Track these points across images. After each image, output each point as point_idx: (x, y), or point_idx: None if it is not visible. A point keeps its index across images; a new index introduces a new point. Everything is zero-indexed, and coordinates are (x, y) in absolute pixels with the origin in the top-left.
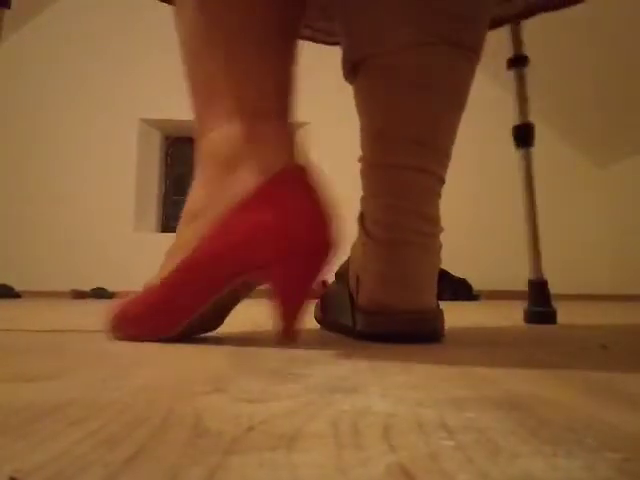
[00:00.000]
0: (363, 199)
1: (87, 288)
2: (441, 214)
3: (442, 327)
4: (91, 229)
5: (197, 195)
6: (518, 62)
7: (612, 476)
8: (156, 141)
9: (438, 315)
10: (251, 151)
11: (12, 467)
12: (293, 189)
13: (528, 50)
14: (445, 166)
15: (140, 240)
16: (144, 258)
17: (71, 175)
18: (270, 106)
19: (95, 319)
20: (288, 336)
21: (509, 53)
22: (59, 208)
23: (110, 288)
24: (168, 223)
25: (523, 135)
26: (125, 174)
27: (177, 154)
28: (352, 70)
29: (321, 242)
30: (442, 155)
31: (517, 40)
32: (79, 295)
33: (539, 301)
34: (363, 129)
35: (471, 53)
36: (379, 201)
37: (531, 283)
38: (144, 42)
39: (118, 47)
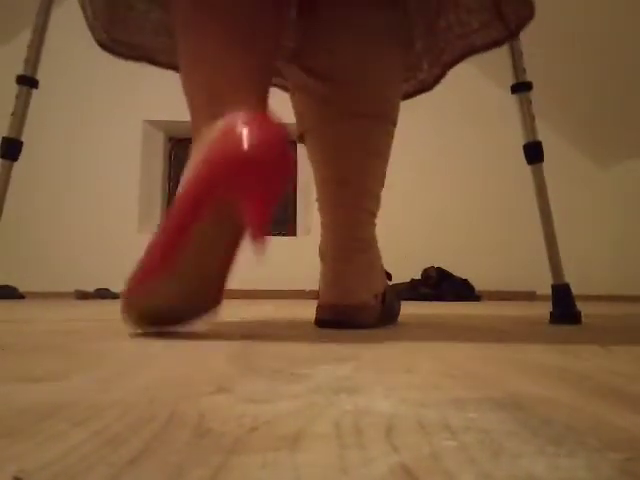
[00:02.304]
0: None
1: (91, 289)
2: (445, 215)
3: (369, 316)
4: (95, 230)
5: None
6: (521, 88)
7: (614, 476)
8: (160, 142)
9: (365, 308)
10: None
11: (16, 467)
12: (247, 127)
13: (529, 49)
14: (374, 202)
15: (144, 241)
16: None
17: (74, 176)
18: (242, 95)
19: (98, 320)
20: (258, 244)
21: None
22: (62, 209)
23: (114, 289)
24: None
25: (533, 152)
26: (129, 175)
27: (181, 155)
28: (300, 138)
29: (275, 160)
30: (370, 195)
31: (519, 67)
32: (83, 296)
33: (562, 303)
34: (314, 175)
35: (381, 120)
36: (323, 233)
37: (553, 287)
38: None
39: None
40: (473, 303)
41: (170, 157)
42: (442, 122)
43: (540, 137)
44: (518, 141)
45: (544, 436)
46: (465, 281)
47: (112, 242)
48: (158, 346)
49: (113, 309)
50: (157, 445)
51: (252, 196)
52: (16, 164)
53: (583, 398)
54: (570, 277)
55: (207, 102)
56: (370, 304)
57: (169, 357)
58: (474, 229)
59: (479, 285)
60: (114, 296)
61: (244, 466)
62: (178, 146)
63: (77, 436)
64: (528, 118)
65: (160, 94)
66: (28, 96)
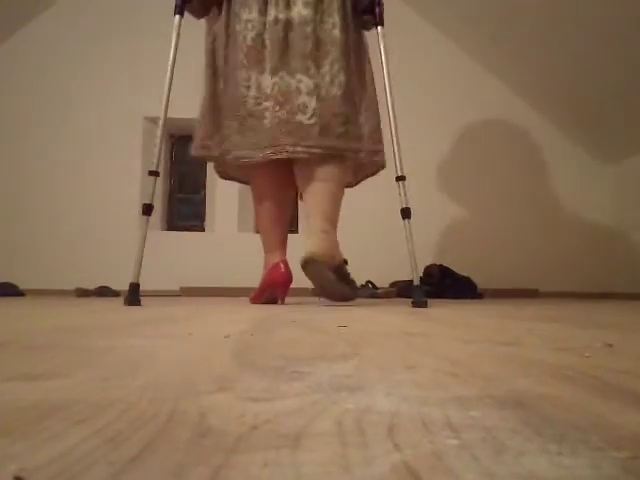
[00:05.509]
0: None
1: (91, 287)
2: (446, 215)
3: (339, 294)
4: (95, 227)
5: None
6: (401, 179)
7: (617, 474)
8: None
9: (336, 290)
10: (269, 258)
11: (17, 466)
12: (280, 268)
13: (539, 50)
14: (335, 220)
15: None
16: (148, 257)
17: (75, 173)
18: (279, 244)
19: (99, 318)
20: (282, 302)
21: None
22: (63, 206)
23: (114, 287)
24: (172, 221)
25: (406, 213)
26: (129, 172)
27: (181, 152)
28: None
29: (286, 283)
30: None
31: (399, 165)
32: (83, 293)
33: (417, 293)
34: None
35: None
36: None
37: (409, 283)
38: (148, 40)
39: (122, 45)
40: (475, 301)
41: (171, 154)
42: (445, 121)
43: (546, 133)
44: (522, 141)
45: (547, 434)
46: (467, 279)
47: (112, 240)
48: (158, 345)
49: (113, 307)
50: (158, 444)
51: (279, 291)
52: (16, 163)
53: (586, 396)
54: (575, 274)
55: (267, 245)
56: (330, 262)
57: (169, 356)
58: (476, 228)
59: (481, 283)
60: (114, 294)
61: (245, 465)
62: (179, 143)
63: (78, 435)
64: (404, 197)
65: (161, 91)
66: None
